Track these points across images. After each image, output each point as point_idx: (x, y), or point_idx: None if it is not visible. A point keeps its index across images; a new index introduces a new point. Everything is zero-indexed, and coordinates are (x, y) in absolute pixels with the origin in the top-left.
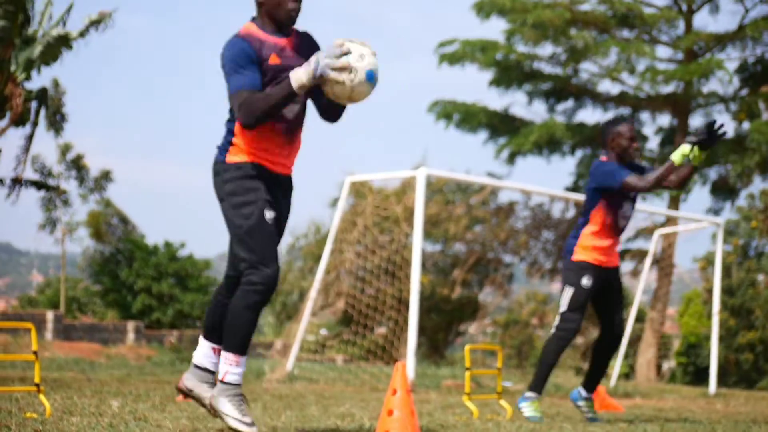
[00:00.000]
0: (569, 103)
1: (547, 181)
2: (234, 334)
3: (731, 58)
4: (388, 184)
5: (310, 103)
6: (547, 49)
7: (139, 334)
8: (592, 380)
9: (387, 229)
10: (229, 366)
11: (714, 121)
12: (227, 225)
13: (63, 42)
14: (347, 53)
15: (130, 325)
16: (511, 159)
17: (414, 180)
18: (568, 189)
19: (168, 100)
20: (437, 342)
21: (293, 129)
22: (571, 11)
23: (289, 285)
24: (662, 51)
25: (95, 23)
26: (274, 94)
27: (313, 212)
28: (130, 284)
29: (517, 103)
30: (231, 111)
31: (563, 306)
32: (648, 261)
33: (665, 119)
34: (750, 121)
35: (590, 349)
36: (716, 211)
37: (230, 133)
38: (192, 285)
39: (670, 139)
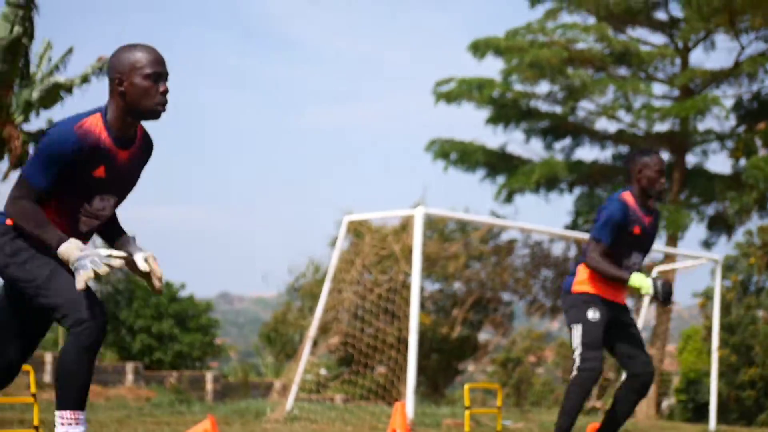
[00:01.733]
0: (567, 141)
1: (546, 219)
2: (69, 386)
3: (727, 95)
4: (386, 223)
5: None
6: (543, 87)
7: (138, 375)
8: (609, 428)
9: (386, 268)
10: (69, 427)
11: (671, 285)
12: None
13: (63, 87)
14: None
15: (129, 366)
16: (510, 197)
17: (413, 219)
18: (567, 227)
19: (167, 140)
20: (437, 381)
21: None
22: (567, 50)
23: (288, 325)
24: (659, 88)
25: (97, 69)
26: (40, 230)
27: (312, 252)
28: (130, 324)
29: (514, 141)
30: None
31: (577, 346)
32: (647, 298)
33: (663, 156)
34: (747, 157)
35: (614, 394)
36: (711, 246)
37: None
38: (192, 325)
39: (667, 176)
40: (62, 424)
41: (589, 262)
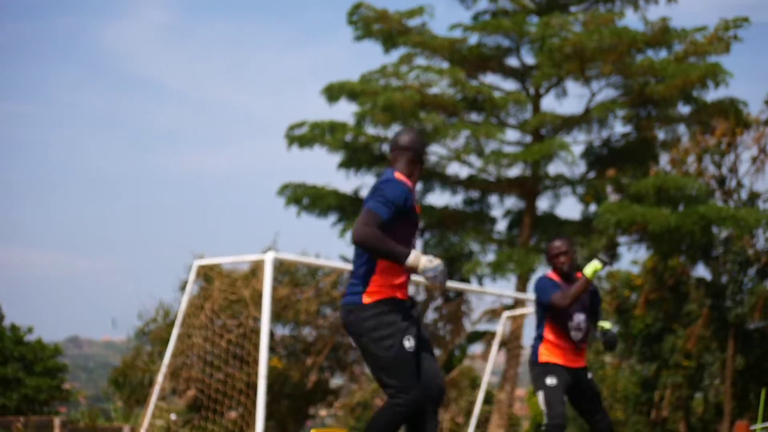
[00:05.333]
0: (418, 186)
1: None
2: None
3: (578, 140)
4: (237, 268)
5: None
6: (396, 131)
7: None
8: None
9: (236, 312)
10: None
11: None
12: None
13: None
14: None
15: None
16: None
17: (263, 263)
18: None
19: (8, 181)
20: (287, 426)
21: None
22: (421, 94)
23: (138, 370)
24: (511, 134)
25: None
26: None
27: (162, 295)
28: None
29: (366, 185)
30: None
31: (544, 409)
32: (496, 343)
33: (513, 201)
34: (597, 203)
35: None
36: None
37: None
38: (39, 369)
39: (518, 221)
40: None
41: (564, 303)
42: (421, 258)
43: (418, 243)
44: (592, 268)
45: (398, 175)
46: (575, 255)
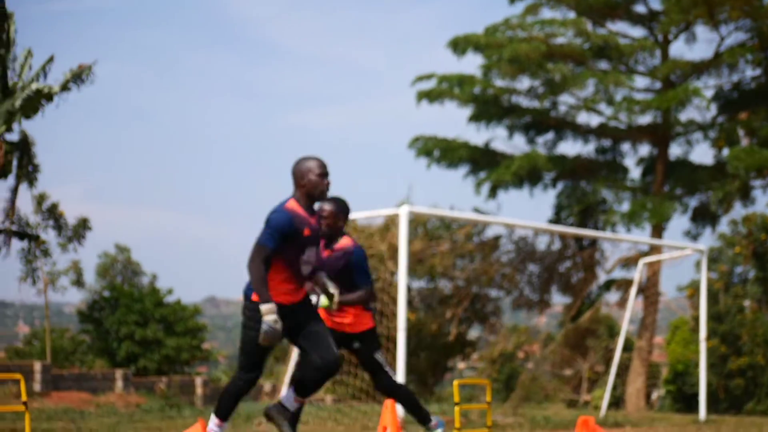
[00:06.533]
0: (549, 136)
1: (531, 214)
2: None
3: (708, 85)
4: (371, 223)
5: None
6: (524, 82)
7: (128, 381)
8: None
9: (372, 267)
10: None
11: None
12: None
13: (44, 95)
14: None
15: (119, 373)
16: (493, 192)
17: (397, 218)
18: (550, 221)
19: (152, 147)
20: (426, 379)
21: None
22: (547, 45)
23: None
24: (639, 81)
25: (76, 76)
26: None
27: None
28: (115, 332)
29: (497, 137)
30: None
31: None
32: (633, 290)
33: (646, 149)
34: (729, 147)
35: None
36: (696, 237)
37: None
38: (179, 329)
39: (651, 169)
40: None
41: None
42: (268, 313)
43: None
44: (324, 303)
45: (288, 205)
46: (341, 224)
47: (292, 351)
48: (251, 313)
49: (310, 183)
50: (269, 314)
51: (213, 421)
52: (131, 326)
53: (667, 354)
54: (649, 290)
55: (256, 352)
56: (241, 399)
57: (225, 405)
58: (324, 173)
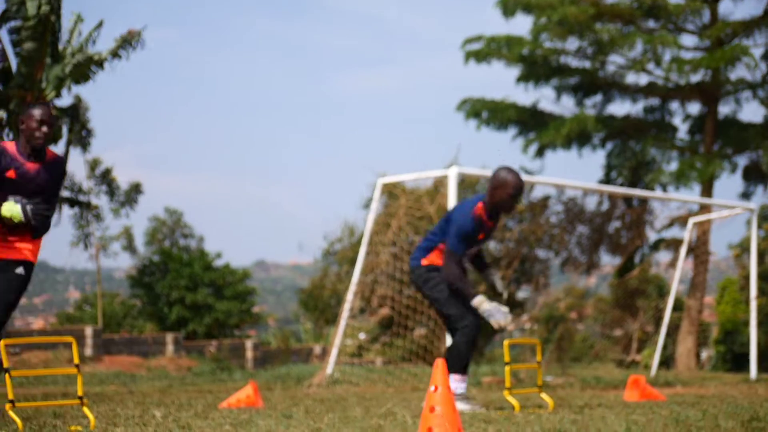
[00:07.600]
0: (598, 97)
1: (580, 174)
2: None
3: (758, 44)
4: (420, 184)
5: None
6: (573, 43)
7: (178, 345)
8: None
9: (421, 229)
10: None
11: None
12: None
13: (94, 62)
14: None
15: (169, 337)
16: (541, 153)
17: (446, 179)
18: (600, 182)
19: (197, 111)
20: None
21: None
22: (596, 6)
23: (326, 290)
24: (688, 40)
25: (126, 41)
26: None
27: (346, 215)
28: (165, 296)
29: (545, 98)
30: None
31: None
32: (683, 250)
33: (695, 107)
34: None
35: None
36: (748, 196)
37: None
38: (228, 293)
39: (699, 128)
40: (455, 380)
41: None
42: (482, 303)
43: None
44: (8, 213)
45: (476, 211)
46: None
47: (341, 314)
48: (427, 274)
49: (502, 200)
50: (484, 303)
51: (454, 378)
52: (182, 290)
53: (717, 314)
54: (699, 250)
55: (457, 300)
56: (476, 346)
57: (463, 358)
58: (517, 194)
